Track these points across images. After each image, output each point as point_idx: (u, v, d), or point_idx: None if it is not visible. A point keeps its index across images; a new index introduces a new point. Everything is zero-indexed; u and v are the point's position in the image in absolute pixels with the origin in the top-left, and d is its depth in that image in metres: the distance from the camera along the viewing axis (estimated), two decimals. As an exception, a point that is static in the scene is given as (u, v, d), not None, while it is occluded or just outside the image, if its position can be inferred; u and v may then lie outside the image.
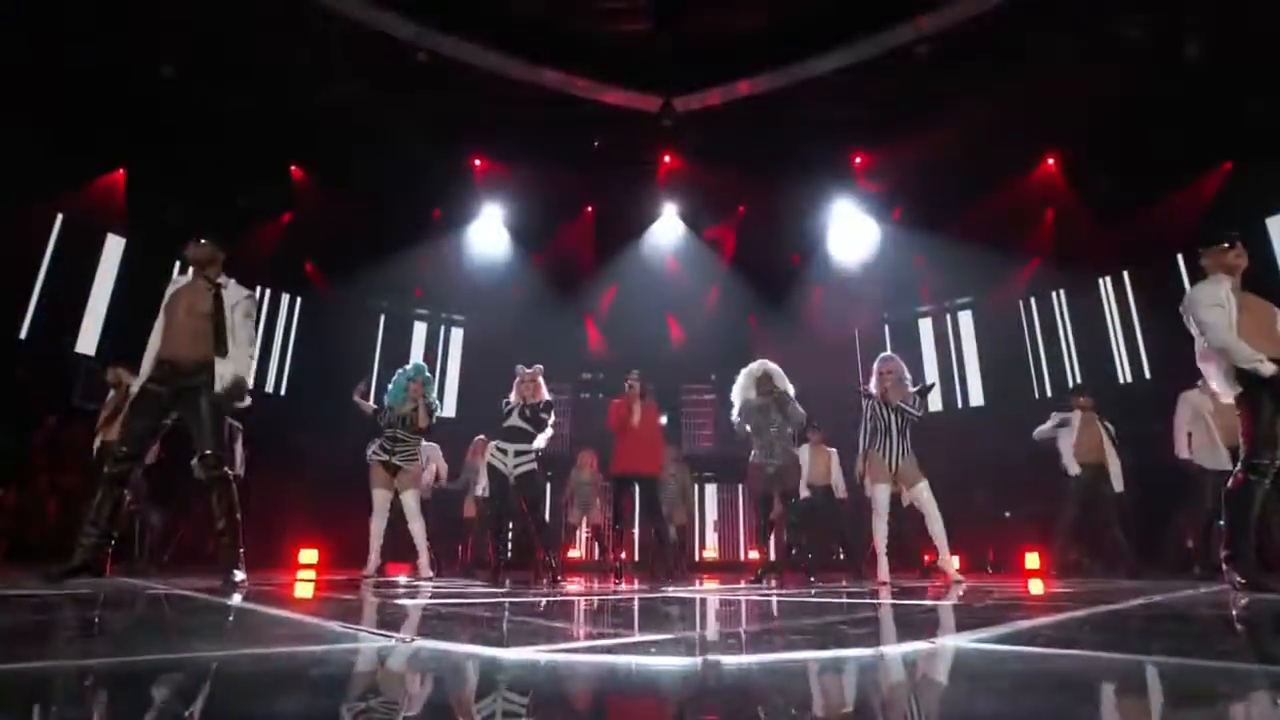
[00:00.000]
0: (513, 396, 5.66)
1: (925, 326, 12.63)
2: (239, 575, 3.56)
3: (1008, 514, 9.73)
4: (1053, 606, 2.55)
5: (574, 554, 9.66)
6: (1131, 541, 6.38)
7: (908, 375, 5.69)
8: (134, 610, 2.23)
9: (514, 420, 5.52)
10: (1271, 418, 3.38)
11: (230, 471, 3.68)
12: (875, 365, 5.75)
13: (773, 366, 5.99)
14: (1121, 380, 10.46)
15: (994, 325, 12.00)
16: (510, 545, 7.32)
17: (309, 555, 8.48)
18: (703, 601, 3.19)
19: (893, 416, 5.46)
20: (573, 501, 8.11)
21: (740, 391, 6.04)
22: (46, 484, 8.14)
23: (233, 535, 3.62)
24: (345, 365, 11.70)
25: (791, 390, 5.94)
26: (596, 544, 8.74)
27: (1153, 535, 7.16)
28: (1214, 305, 3.56)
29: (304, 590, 3.81)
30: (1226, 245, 3.68)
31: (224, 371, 3.59)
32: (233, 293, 3.77)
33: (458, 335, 13.36)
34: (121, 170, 9.90)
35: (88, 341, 9.59)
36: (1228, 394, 3.59)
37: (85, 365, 9.17)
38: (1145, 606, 2.48)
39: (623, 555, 6.47)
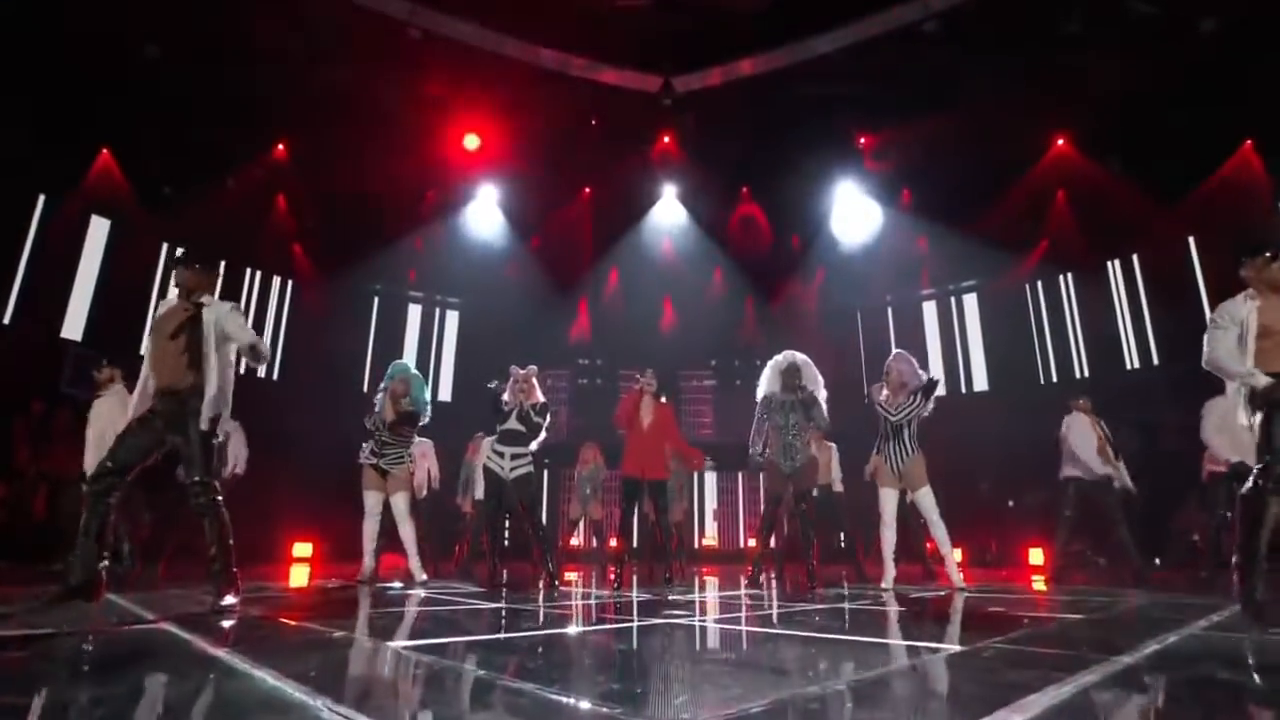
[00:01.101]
0: (507, 397, 5.62)
1: (929, 309, 12.47)
2: (231, 600, 3.51)
3: (1011, 502, 9.69)
4: (1061, 658, 2.45)
5: (575, 542, 9.67)
6: (1135, 536, 6.30)
7: (918, 374, 5.41)
8: (95, 680, 2.13)
9: (510, 423, 5.54)
10: None
11: (221, 497, 3.59)
12: None
13: (801, 359, 5.58)
14: (1129, 366, 10.35)
15: (999, 309, 11.85)
16: (508, 540, 7.28)
17: (303, 549, 8.45)
18: (702, 633, 3.12)
19: (889, 421, 5.35)
20: (574, 498, 8.03)
21: (765, 384, 5.68)
22: (35, 473, 8.05)
23: (225, 562, 3.55)
24: (339, 349, 11.62)
25: (822, 386, 5.56)
26: (595, 536, 8.73)
27: (1158, 528, 7.11)
28: (1224, 327, 3.36)
29: (294, 616, 3.72)
30: (1269, 255, 3.34)
31: (209, 396, 3.50)
32: (214, 310, 3.63)
33: (453, 318, 13.21)
34: (106, 151, 9.68)
35: (74, 327, 9.45)
36: (1242, 415, 3.48)
37: (74, 350, 9.06)
38: (1160, 661, 2.38)
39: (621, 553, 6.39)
